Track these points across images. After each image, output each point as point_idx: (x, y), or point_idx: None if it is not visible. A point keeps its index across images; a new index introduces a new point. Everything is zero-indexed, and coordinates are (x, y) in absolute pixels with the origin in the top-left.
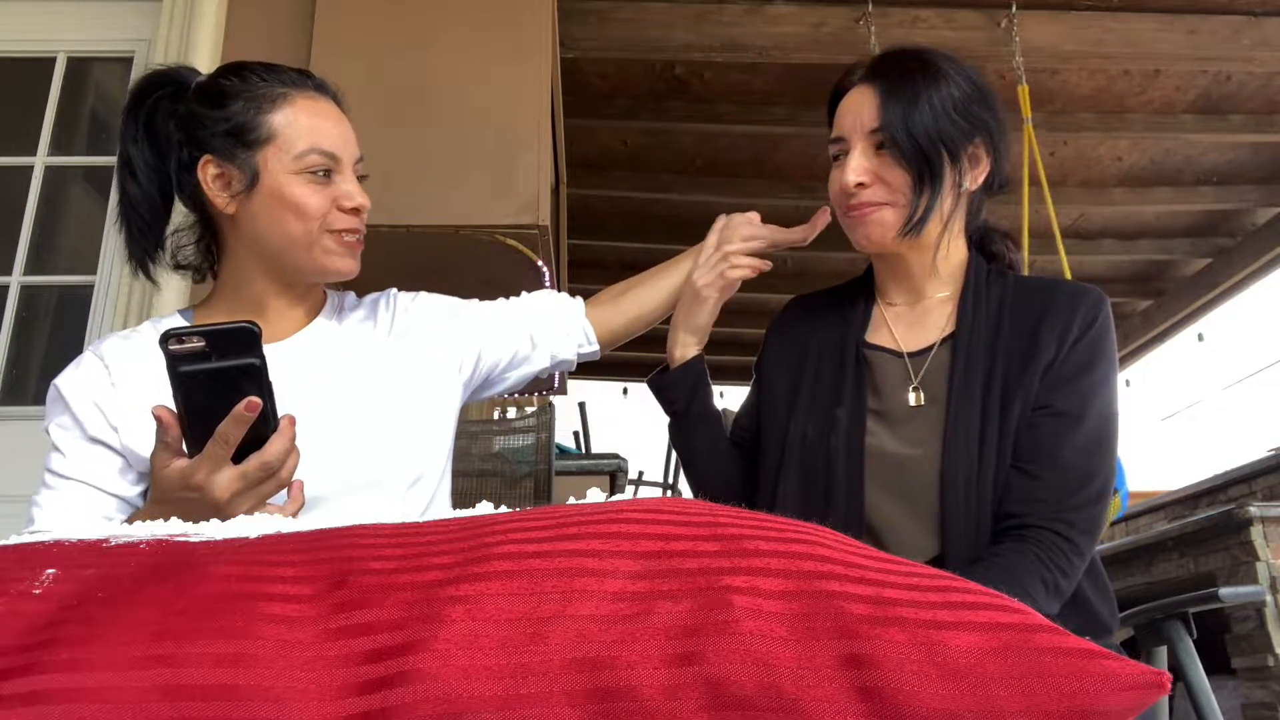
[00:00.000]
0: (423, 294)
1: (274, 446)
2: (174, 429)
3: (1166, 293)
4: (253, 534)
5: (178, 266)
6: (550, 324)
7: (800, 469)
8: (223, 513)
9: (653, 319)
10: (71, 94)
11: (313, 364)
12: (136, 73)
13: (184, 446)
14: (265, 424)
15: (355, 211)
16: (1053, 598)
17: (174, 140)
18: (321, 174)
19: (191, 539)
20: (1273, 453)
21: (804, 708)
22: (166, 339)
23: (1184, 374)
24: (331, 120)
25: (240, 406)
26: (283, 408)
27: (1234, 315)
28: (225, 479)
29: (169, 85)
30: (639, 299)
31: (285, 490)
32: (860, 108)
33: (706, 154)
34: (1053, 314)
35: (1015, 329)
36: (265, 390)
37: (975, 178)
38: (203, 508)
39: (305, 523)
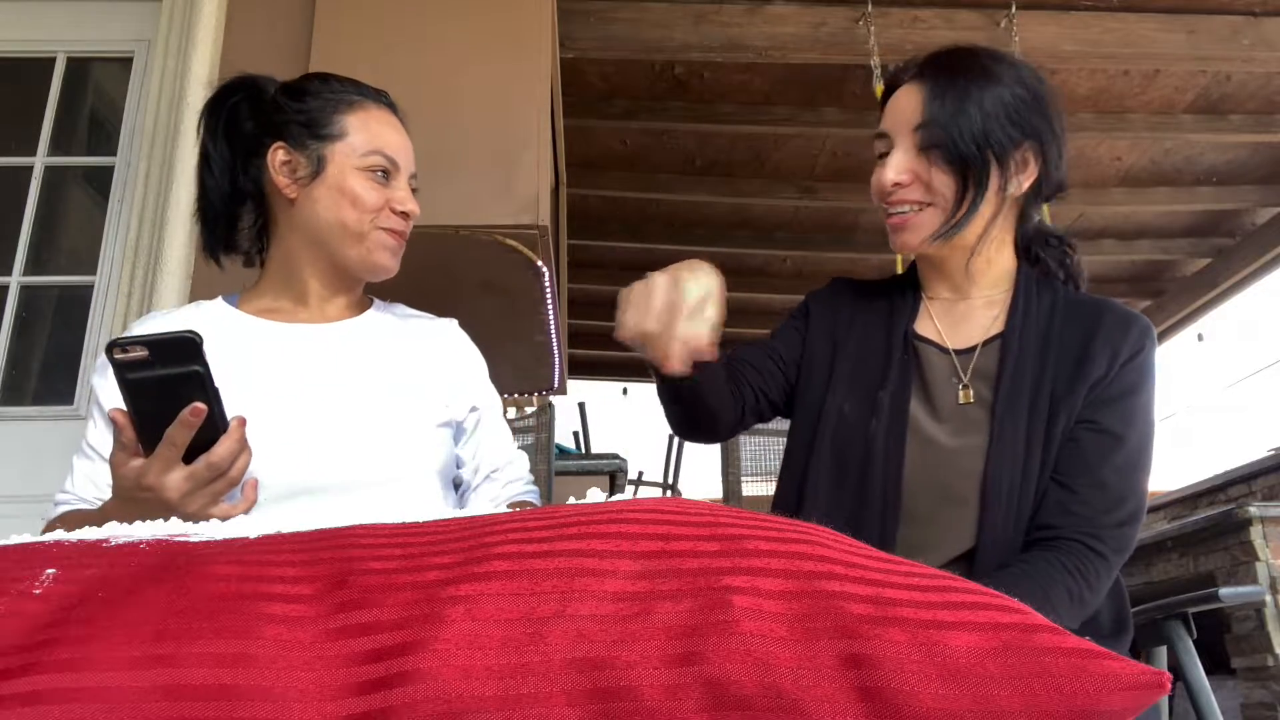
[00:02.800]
0: (476, 353)
1: (221, 448)
2: (128, 431)
3: (1166, 293)
4: (253, 534)
5: (229, 249)
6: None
7: (834, 447)
8: (175, 511)
9: None
10: (71, 94)
11: (342, 350)
12: (136, 73)
13: (140, 447)
14: (214, 426)
15: (405, 216)
16: (1075, 609)
17: (247, 131)
18: (381, 175)
19: (191, 539)
20: (1273, 453)
21: (804, 708)
22: (111, 348)
23: (1184, 374)
24: (397, 132)
25: (185, 412)
26: (301, 384)
27: (1234, 315)
28: (175, 479)
29: (250, 89)
30: None
31: (239, 489)
32: (907, 105)
33: (706, 154)
34: (1105, 332)
35: (1066, 340)
36: (211, 395)
37: (1021, 183)
38: (156, 506)
39: (302, 519)
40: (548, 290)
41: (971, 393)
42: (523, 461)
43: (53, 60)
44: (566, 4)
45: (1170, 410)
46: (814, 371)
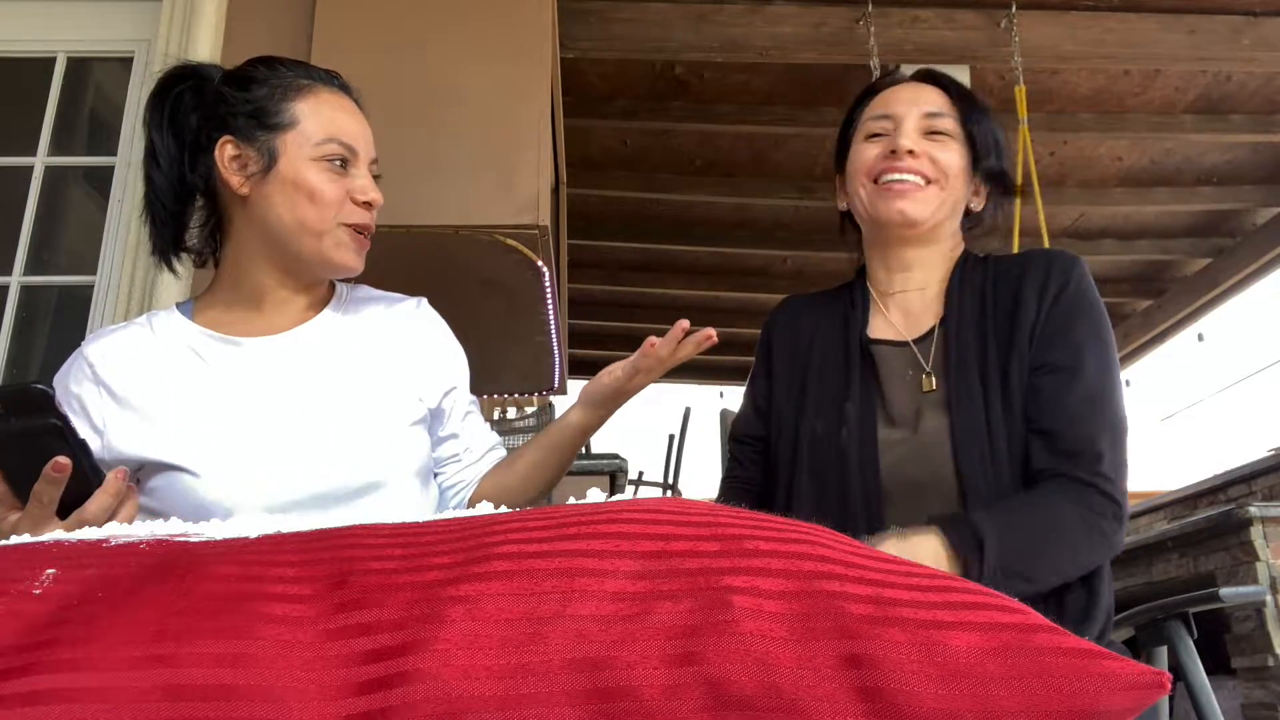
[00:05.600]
0: (451, 338)
1: (93, 505)
2: None
3: (1166, 293)
4: (253, 534)
5: (179, 250)
6: (458, 467)
7: (812, 467)
8: None
9: (551, 472)
10: (71, 94)
11: (304, 361)
12: (137, 73)
13: (16, 500)
14: (85, 480)
15: (368, 206)
16: (1095, 536)
17: (193, 124)
18: (339, 164)
19: (191, 539)
20: (1273, 453)
21: (804, 707)
22: None
23: (1184, 374)
24: (352, 116)
25: (49, 467)
26: (268, 402)
27: (1234, 315)
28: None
29: (194, 78)
30: (535, 459)
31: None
32: (920, 94)
33: (706, 154)
34: (1030, 276)
35: (999, 301)
36: (75, 447)
37: (979, 201)
38: None
39: (300, 523)
40: (548, 290)
41: (934, 380)
42: (501, 447)
43: (53, 60)
44: (566, 4)
45: (1170, 410)
46: (786, 394)
